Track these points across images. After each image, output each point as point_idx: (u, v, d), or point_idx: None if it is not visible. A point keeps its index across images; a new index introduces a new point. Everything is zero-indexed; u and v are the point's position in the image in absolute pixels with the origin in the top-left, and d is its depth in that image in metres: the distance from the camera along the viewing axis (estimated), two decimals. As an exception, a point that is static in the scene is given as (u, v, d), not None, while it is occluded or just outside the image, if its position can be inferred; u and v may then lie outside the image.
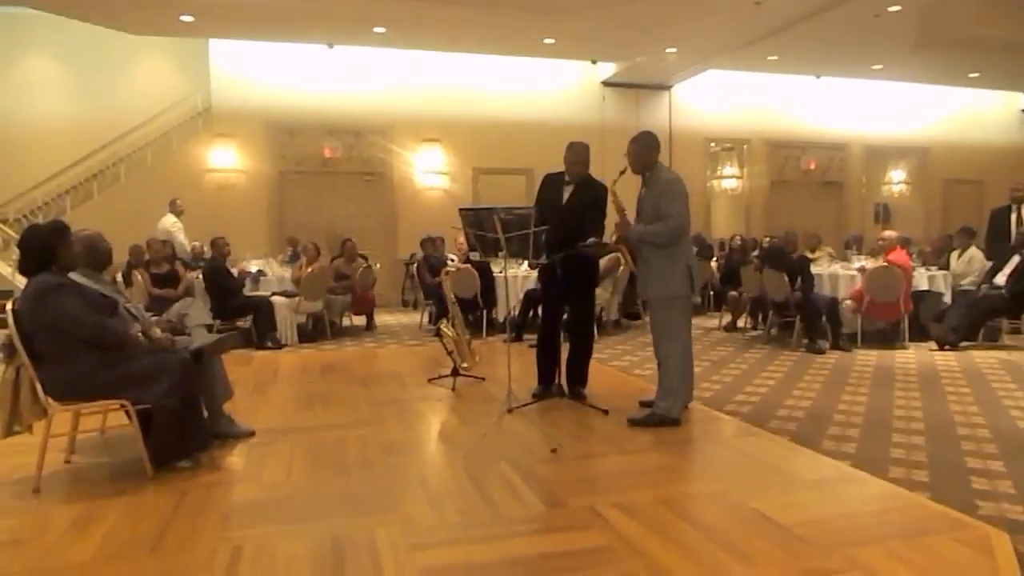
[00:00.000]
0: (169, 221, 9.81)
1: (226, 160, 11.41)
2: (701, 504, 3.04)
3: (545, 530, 2.76)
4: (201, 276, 7.81)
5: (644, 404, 4.53)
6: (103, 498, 3.17)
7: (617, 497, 3.05)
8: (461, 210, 4.44)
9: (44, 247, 3.41)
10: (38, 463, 3.32)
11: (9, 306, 3.35)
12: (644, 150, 4.37)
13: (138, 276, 7.55)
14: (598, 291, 8.03)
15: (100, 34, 10.61)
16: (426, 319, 9.15)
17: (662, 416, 4.22)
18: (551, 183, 4.96)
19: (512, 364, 4.61)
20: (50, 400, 3.31)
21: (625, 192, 4.45)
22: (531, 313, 8.02)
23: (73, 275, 3.51)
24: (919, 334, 7.41)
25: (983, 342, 7.27)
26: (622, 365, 6.35)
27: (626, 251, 4.64)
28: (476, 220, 4.32)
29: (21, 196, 11.08)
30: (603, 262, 8.26)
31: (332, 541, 2.66)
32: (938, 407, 4.67)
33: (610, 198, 4.52)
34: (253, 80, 11.43)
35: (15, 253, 8.89)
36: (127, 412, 3.42)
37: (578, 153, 4.81)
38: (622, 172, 4.42)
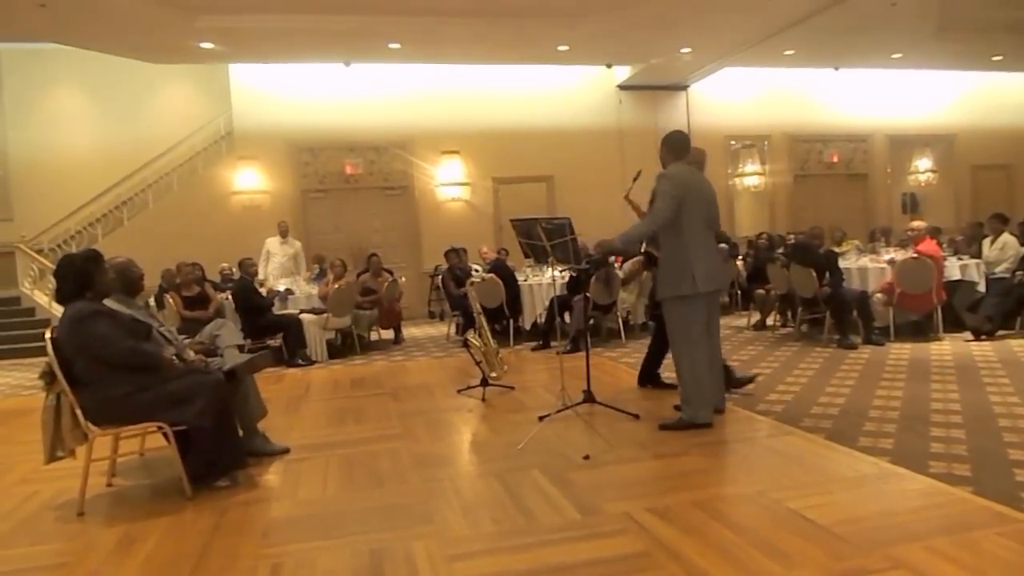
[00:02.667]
0: (269, 243, 10.08)
1: (250, 181, 11.59)
2: (737, 506, 3.01)
3: (581, 537, 2.75)
4: (231, 297, 7.93)
5: (678, 408, 4.51)
6: (145, 519, 3.23)
7: (652, 502, 3.04)
8: (512, 221, 4.69)
9: (79, 275, 3.50)
10: (81, 487, 3.40)
11: (48, 334, 3.44)
12: (663, 148, 4.34)
13: (170, 299, 7.68)
14: (623, 295, 8.03)
15: (123, 65, 10.90)
16: (453, 330, 9.18)
17: (688, 422, 4.18)
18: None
19: (540, 371, 4.61)
20: (90, 425, 3.39)
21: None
22: (557, 320, 8.01)
23: (107, 301, 3.59)
24: (953, 325, 7.27)
25: (1020, 330, 7.11)
26: (651, 368, 6.30)
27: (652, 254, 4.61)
28: (525, 229, 4.48)
29: (54, 226, 11.34)
30: (627, 266, 8.27)
31: (370, 555, 2.68)
32: (977, 398, 4.58)
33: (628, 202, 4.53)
34: (273, 101, 11.61)
35: (51, 282, 9.12)
36: (164, 434, 3.49)
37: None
38: (635, 177, 4.41)
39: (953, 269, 7.63)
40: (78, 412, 3.36)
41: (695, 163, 4.54)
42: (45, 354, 3.38)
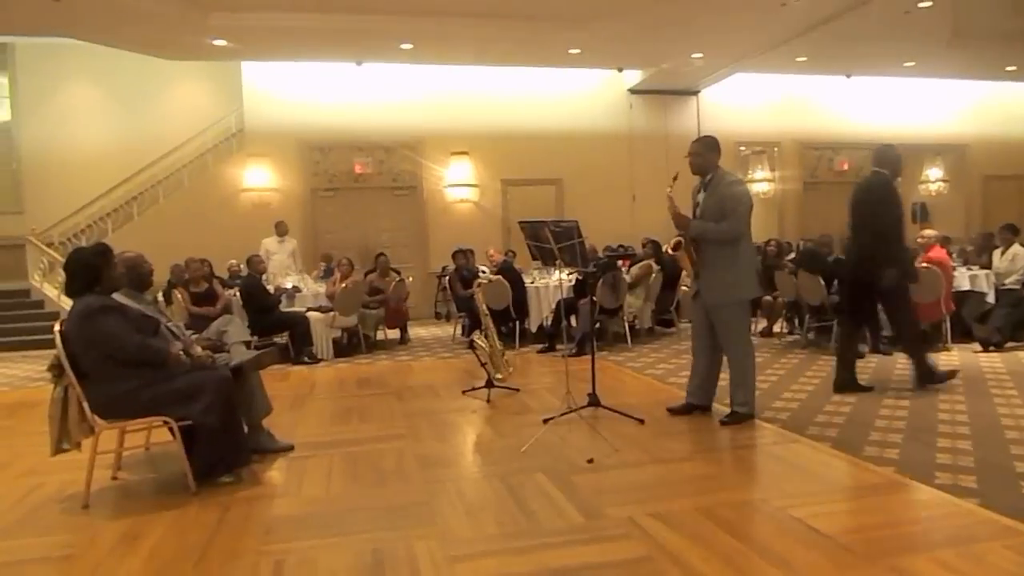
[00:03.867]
0: (266, 242, 10.17)
1: (260, 179, 11.63)
2: (741, 513, 3.00)
3: (583, 541, 2.74)
4: (238, 294, 7.96)
5: (672, 411, 4.64)
6: (149, 513, 3.24)
7: (655, 507, 3.03)
8: (520, 223, 4.75)
9: (88, 269, 3.51)
10: (86, 480, 3.41)
11: (56, 327, 3.45)
12: (708, 151, 4.47)
13: (178, 295, 7.72)
14: (629, 299, 8.02)
15: (136, 60, 10.94)
16: (459, 331, 9.19)
17: (750, 415, 4.40)
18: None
19: (545, 374, 4.61)
20: (96, 418, 3.40)
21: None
22: (563, 323, 8.01)
23: (116, 296, 3.61)
24: (962, 335, 7.22)
25: (1030, 342, 7.07)
26: (657, 373, 6.30)
27: (686, 258, 4.58)
28: (532, 232, 4.50)
29: (65, 220, 11.38)
30: (634, 270, 8.26)
31: (372, 554, 2.69)
32: (984, 410, 4.55)
33: (666, 204, 4.51)
34: (284, 100, 11.65)
35: (61, 276, 9.17)
36: (170, 429, 3.50)
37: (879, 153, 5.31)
38: (675, 178, 4.40)
39: (962, 279, 7.58)
40: (84, 405, 3.38)
41: (892, 161, 5.14)
42: (54, 347, 3.40)
